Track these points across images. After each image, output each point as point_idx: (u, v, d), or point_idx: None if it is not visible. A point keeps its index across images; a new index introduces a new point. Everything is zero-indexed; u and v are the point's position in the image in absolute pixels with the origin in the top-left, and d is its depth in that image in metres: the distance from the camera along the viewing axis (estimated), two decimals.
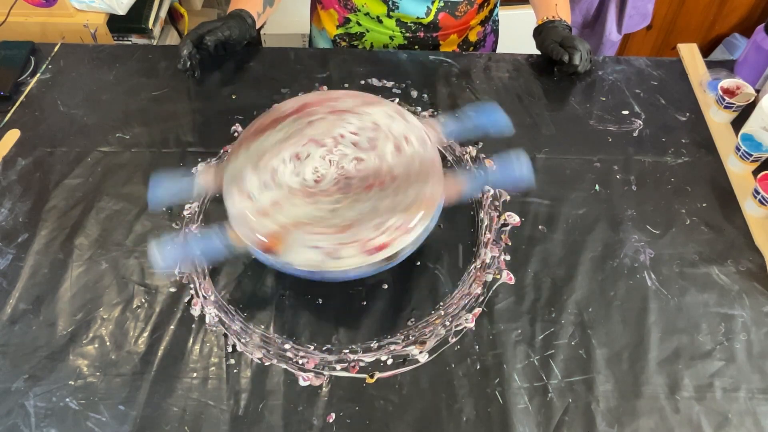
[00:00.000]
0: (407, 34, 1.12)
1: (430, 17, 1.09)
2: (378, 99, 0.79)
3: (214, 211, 0.85)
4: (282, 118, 0.75)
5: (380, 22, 1.11)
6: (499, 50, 1.29)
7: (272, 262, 0.69)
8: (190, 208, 0.86)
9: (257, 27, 1.03)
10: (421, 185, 0.69)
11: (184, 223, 0.84)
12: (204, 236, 0.70)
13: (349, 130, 0.74)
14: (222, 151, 0.93)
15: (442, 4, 1.07)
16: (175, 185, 0.75)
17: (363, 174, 0.70)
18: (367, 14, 1.10)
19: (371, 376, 0.71)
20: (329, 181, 0.70)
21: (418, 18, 1.09)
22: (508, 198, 0.87)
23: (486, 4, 1.14)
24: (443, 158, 0.92)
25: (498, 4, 1.21)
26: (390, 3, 1.07)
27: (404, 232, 0.66)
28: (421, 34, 1.12)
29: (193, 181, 0.77)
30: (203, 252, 0.70)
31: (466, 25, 1.14)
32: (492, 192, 0.88)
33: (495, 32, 1.25)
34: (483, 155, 0.92)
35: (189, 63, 0.96)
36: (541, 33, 1.03)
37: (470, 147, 0.94)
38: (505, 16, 1.79)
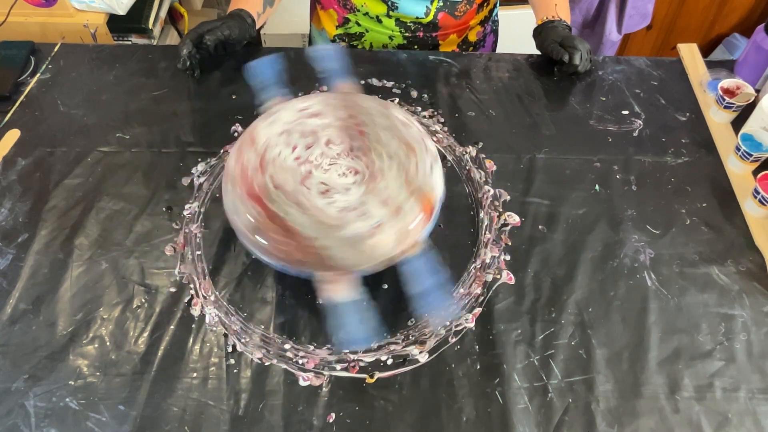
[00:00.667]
0: (407, 34, 1.12)
1: (430, 17, 1.09)
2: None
3: (214, 211, 0.85)
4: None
5: (380, 21, 1.10)
6: (499, 50, 1.29)
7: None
8: (190, 208, 0.86)
9: (257, 27, 1.03)
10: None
11: (184, 222, 0.84)
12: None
13: (289, 154, 0.72)
14: (222, 151, 0.93)
15: (441, 3, 1.07)
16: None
17: (345, 137, 0.73)
18: (366, 14, 1.10)
19: (371, 376, 0.71)
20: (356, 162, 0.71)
21: (417, 18, 1.09)
22: (508, 198, 0.87)
23: (485, 4, 1.14)
24: (443, 158, 0.92)
25: (498, 4, 1.21)
26: (389, 3, 1.07)
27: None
28: (421, 34, 1.12)
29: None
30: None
31: (466, 25, 1.14)
32: (492, 192, 0.88)
33: (495, 32, 1.25)
34: (483, 155, 0.92)
35: (189, 63, 0.96)
36: (540, 33, 1.03)
37: (470, 147, 0.94)
38: (505, 16, 1.79)
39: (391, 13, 1.09)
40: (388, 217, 0.67)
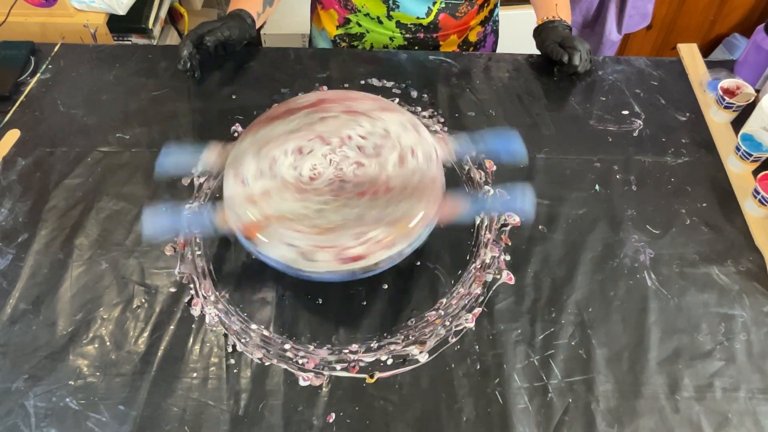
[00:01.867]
0: (407, 35, 1.12)
1: (431, 18, 1.09)
2: (396, 107, 0.78)
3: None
4: (296, 109, 0.75)
5: (380, 23, 1.10)
6: (499, 50, 1.29)
7: (269, 260, 0.69)
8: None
9: (257, 27, 1.03)
10: (414, 202, 0.68)
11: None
12: (195, 212, 0.72)
13: (359, 133, 0.73)
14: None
15: (443, 4, 1.07)
16: (183, 156, 0.79)
17: (359, 180, 0.69)
18: (367, 15, 1.10)
19: (371, 376, 0.71)
20: (324, 181, 0.69)
21: (418, 18, 1.09)
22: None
23: (486, 4, 1.14)
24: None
25: (498, 5, 1.21)
26: (390, 3, 1.07)
27: (383, 246, 0.66)
28: (421, 35, 1.12)
29: (200, 155, 0.78)
30: (190, 225, 0.74)
31: (466, 25, 1.14)
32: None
33: (495, 32, 1.25)
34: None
35: (189, 63, 0.96)
36: (541, 33, 1.03)
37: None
38: (505, 16, 1.79)
39: (391, 13, 1.09)
40: (246, 196, 0.68)
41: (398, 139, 0.72)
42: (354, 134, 0.73)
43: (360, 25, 1.13)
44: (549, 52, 1.00)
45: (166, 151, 0.80)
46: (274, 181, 0.69)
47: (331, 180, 0.69)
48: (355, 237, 0.65)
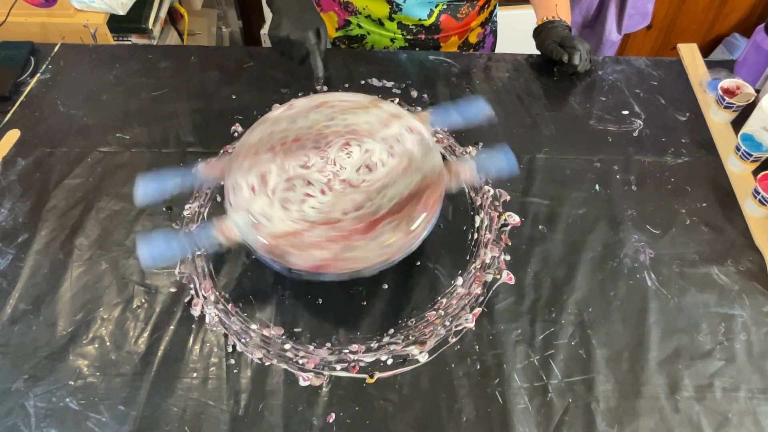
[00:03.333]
0: (408, 37, 1.12)
1: (432, 19, 1.08)
2: (375, 104, 0.79)
3: (215, 211, 0.85)
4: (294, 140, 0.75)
5: (381, 24, 1.10)
6: (498, 50, 1.29)
7: (271, 263, 0.69)
8: (190, 208, 0.86)
9: None
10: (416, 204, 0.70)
11: (184, 222, 0.84)
12: (196, 232, 0.70)
13: (350, 163, 0.73)
14: (222, 151, 0.93)
15: (445, 6, 1.07)
16: (163, 182, 0.76)
17: (363, 201, 0.70)
18: (368, 17, 1.10)
19: (371, 376, 0.71)
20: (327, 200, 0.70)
21: (420, 20, 1.09)
22: (508, 198, 0.87)
23: (486, 5, 1.14)
24: (443, 158, 0.92)
25: (497, 6, 1.21)
26: (393, 5, 1.07)
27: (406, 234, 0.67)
28: (423, 37, 1.12)
29: (186, 175, 0.77)
30: (192, 244, 0.72)
31: (467, 26, 1.14)
32: (492, 192, 0.88)
33: (494, 33, 1.25)
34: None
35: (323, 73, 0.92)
36: (540, 33, 1.03)
37: (470, 147, 0.94)
38: (505, 16, 1.80)
39: (394, 15, 1.08)
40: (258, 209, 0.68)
41: (380, 137, 0.75)
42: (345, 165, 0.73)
43: (361, 27, 1.13)
44: (549, 51, 1.00)
45: (144, 181, 0.75)
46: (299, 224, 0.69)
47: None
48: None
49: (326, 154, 0.73)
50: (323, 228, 0.67)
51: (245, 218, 0.68)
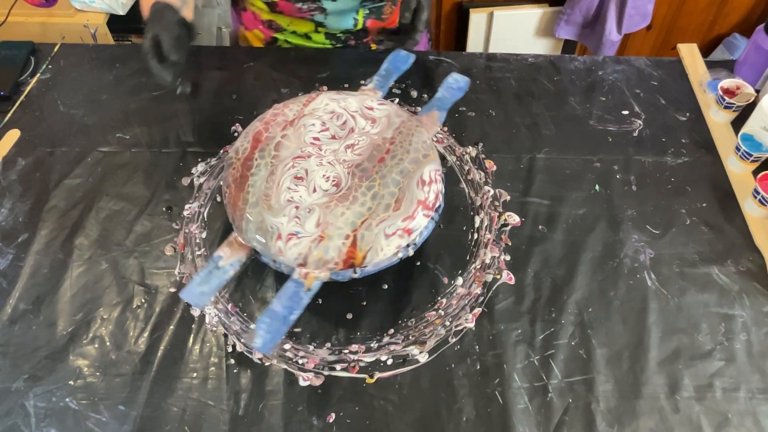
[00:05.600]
0: (338, 45, 1.11)
1: (359, 26, 1.08)
2: (311, 95, 0.81)
3: (216, 211, 0.85)
4: (248, 158, 0.74)
5: (308, 38, 1.09)
6: (498, 50, 1.29)
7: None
8: (190, 208, 0.86)
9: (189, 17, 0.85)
10: (416, 131, 0.76)
11: (184, 223, 0.84)
12: (282, 297, 0.65)
13: (317, 131, 0.76)
14: (222, 151, 0.93)
15: (368, 11, 1.07)
16: (207, 283, 0.69)
17: (366, 154, 0.74)
18: (294, 32, 1.09)
19: (371, 376, 0.71)
20: (346, 178, 0.72)
21: (346, 29, 1.08)
22: (508, 198, 0.87)
23: None
24: (442, 159, 0.92)
25: None
26: (316, 21, 1.06)
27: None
28: (352, 42, 1.11)
29: (220, 272, 0.70)
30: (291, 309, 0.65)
31: (394, 24, 1.13)
32: (492, 192, 0.88)
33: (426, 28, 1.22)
34: (483, 156, 0.92)
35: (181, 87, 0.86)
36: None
37: (470, 147, 0.94)
38: (505, 16, 1.80)
39: (319, 28, 1.08)
40: (312, 239, 0.67)
41: (347, 109, 0.79)
42: (314, 133, 0.77)
43: (288, 43, 1.11)
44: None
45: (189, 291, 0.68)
46: (316, 211, 0.69)
47: (349, 171, 0.73)
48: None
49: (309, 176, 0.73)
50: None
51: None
